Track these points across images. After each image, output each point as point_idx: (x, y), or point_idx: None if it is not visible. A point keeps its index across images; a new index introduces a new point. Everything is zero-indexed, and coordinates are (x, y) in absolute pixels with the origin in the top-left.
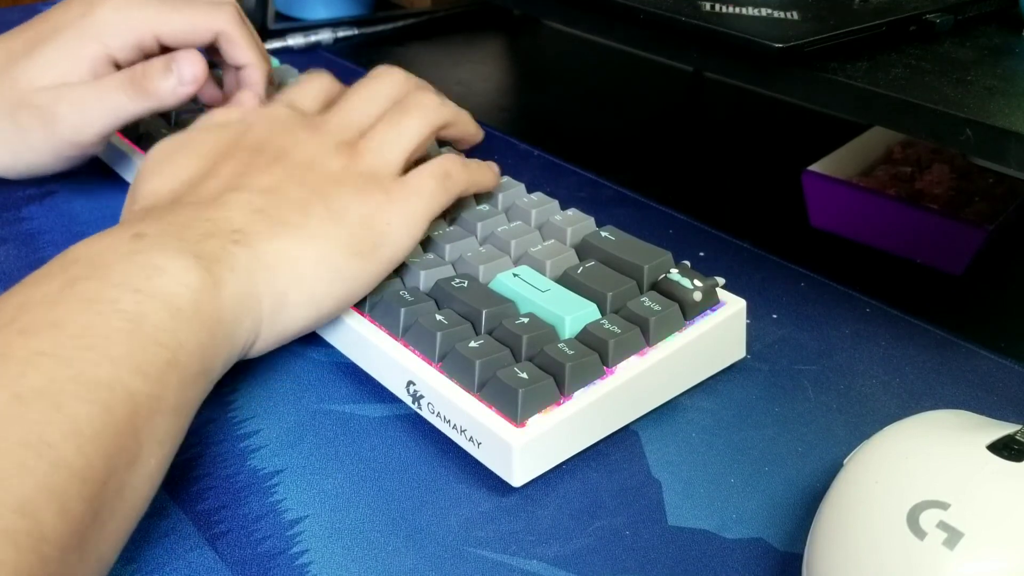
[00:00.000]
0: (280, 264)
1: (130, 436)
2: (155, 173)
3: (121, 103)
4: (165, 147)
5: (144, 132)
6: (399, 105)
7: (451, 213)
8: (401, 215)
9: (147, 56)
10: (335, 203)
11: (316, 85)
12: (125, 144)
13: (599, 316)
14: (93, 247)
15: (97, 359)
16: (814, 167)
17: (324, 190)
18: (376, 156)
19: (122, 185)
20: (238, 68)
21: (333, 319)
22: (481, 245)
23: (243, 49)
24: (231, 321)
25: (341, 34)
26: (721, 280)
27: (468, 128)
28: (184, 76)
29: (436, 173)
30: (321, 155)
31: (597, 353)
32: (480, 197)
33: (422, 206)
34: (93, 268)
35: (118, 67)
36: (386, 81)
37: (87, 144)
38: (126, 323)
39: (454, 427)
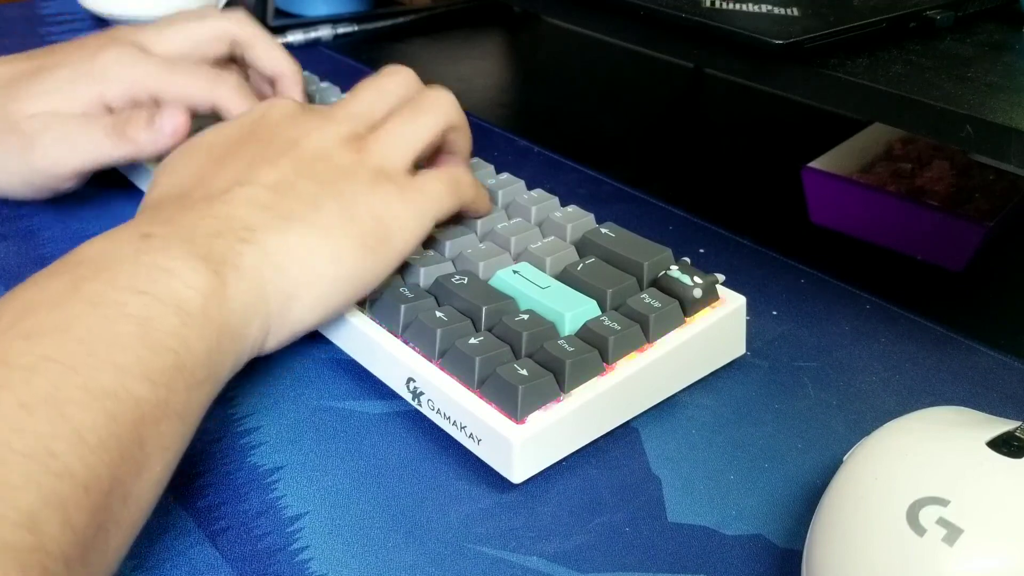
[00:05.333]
0: (290, 262)
1: (135, 444)
2: (168, 173)
3: (102, 145)
4: (180, 150)
5: None
6: (414, 102)
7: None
8: (411, 210)
9: (139, 105)
10: (345, 196)
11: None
12: None
13: (599, 313)
14: (99, 247)
15: (103, 365)
16: (814, 164)
17: (334, 183)
18: (387, 151)
19: (123, 183)
20: None
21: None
22: (481, 242)
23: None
24: (239, 324)
25: (341, 31)
26: (721, 277)
27: (482, 198)
28: (164, 129)
29: (447, 178)
30: (331, 147)
31: (597, 350)
32: None
33: (431, 205)
34: (99, 269)
35: (109, 111)
36: (397, 79)
37: (61, 177)
38: (133, 327)
39: (454, 424)
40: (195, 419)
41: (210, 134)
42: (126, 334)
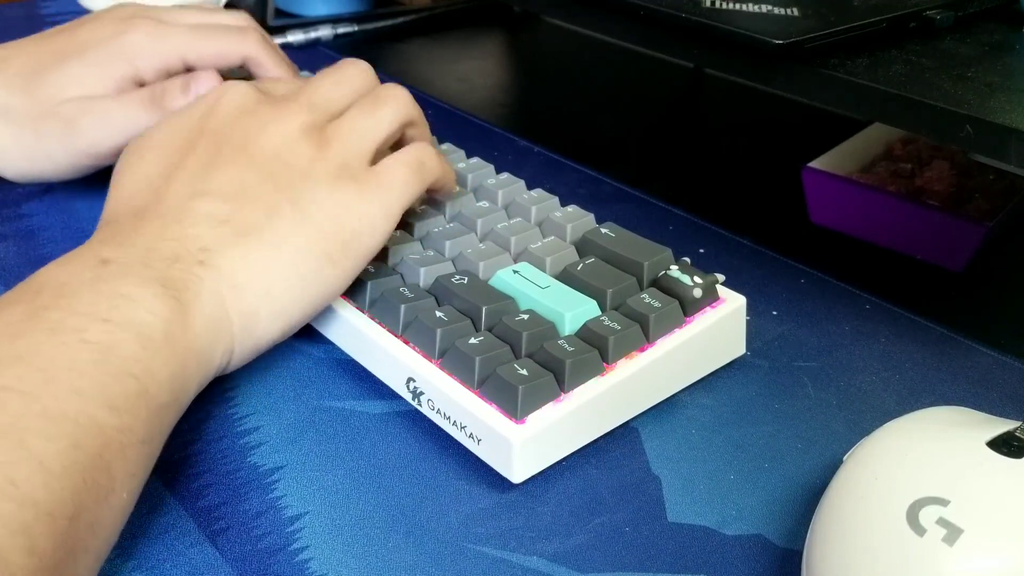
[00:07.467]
0: (249, 281)
1: (101, 471)
2: (124, 176)
3: (141, 119)
4: (132, 150)
5: None
6: (372, 95)
7: (450, 210)
8: (374, 208)
9: (171, 75)
10: (304, 201)
11: (297, 82)
12: None
13: (599, 313)
14: (58, 273)
15: (63, 392)
16: (814, 163)
17: (292, 185)
18: (347, 144)
19: None
20: None
21: (329, 315)
22: (481, 242)
23: (271, 69)
24: (205, 346)
25: (341, 31)
26: (721, 277)
27: (449, 176)
28: (200, 95)
29: (410, 161)
30: (288, 143)
31: (597, 350)
32: (479, 193)
33: (396, 197)
34: (58, 296)
35: (141, 85)
36: (356, 70)
37: (104, 156)
38: (94, 354)
39: (454, 424)
40: (159, 442)
41: (163, 129)
42: (86, 361)
